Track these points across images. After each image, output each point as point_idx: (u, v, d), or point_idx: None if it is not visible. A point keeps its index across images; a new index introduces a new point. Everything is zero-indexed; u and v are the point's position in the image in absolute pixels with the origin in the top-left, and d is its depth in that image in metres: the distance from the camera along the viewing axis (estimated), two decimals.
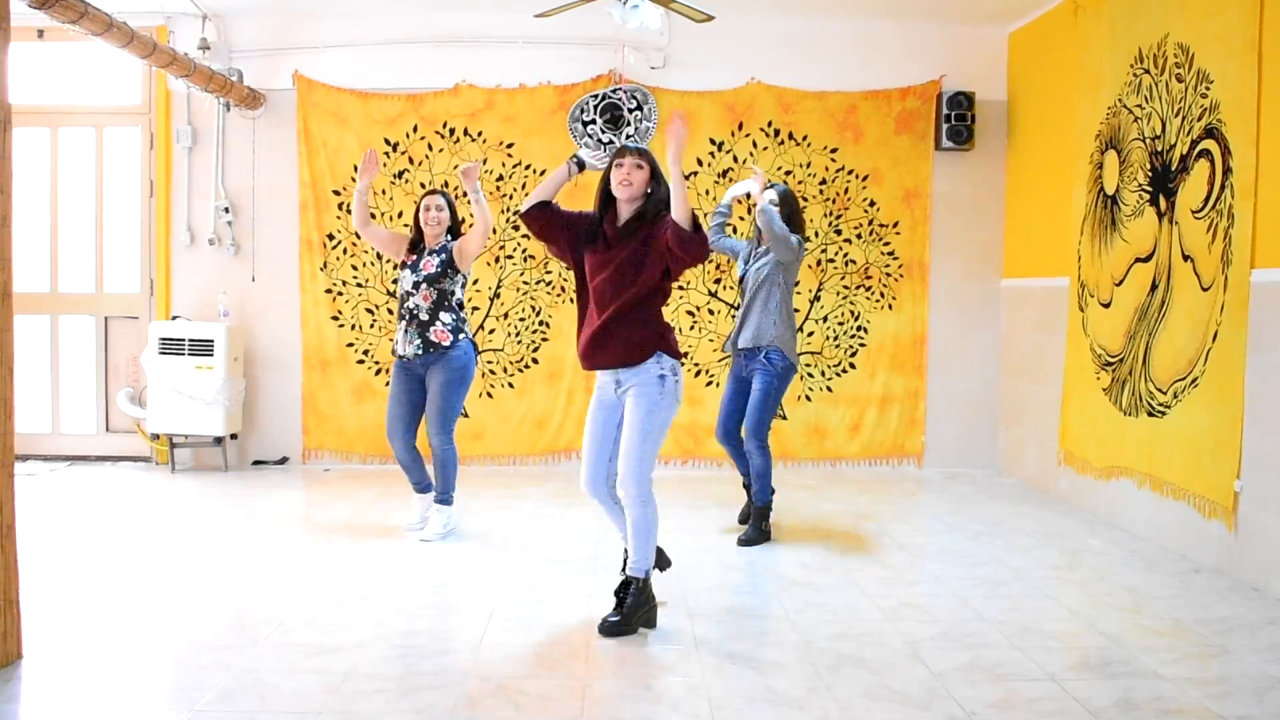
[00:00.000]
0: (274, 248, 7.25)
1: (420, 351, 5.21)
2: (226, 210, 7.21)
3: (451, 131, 7.19)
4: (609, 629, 3.86)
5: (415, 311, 5.23)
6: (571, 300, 7.22)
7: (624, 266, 3.88)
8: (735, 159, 7.22)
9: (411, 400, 5.33)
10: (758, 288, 5.32)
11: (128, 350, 7.36)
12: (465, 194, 5.68)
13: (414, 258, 5.30)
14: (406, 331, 5.25)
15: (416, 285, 5.23)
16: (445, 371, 5.23)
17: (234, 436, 7.19)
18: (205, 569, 4.75)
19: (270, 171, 7.22)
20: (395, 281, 5.41)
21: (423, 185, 7.13)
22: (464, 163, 5.05)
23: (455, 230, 5.39)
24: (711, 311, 7.29)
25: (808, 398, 7.32)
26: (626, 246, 3.89)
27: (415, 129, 7.17)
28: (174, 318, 7.15)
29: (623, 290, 3.87)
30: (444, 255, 5.26)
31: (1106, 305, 5.85)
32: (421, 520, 5.46)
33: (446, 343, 5.21)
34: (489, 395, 7.26)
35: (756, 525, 5.31)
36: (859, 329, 7.34)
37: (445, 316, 5.23)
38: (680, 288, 7.12)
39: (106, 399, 7.40)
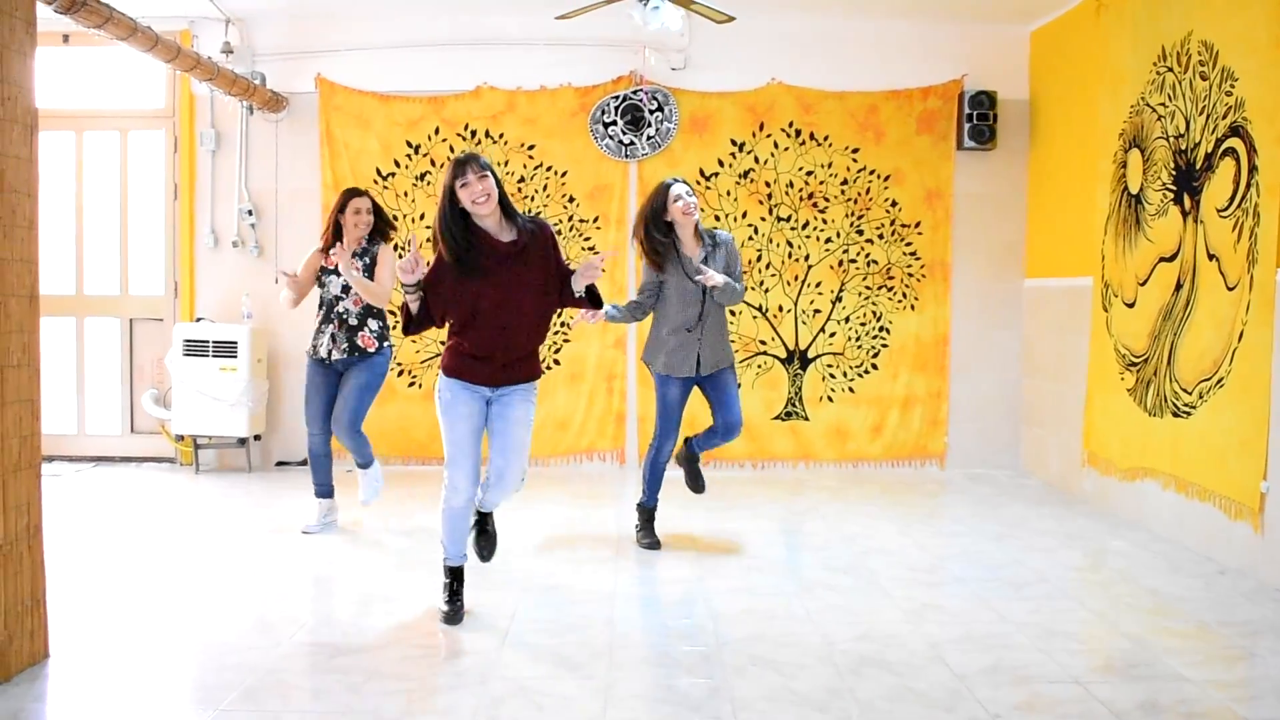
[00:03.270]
0: (297, 250, 7.27)
1: (346, 354, 5.20)
2: (250, 213, 7.25)
3: (473, 134, 7.21)
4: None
5: (345, 316, 5.22)
6: None
7: (524, 291, 3.87)
8: (757, 160, 7.21)
9: (330, 394, 5.29)
10: (706, 306, 4.99)
11: (152, 352, 7.42)
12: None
13: (335, 261, 5.19)
14: (334, 336, 5.22)
15: (345, 290, 5.19)
16: (366, 374, 5.23)
17: (257, 438, 7.23)
18: (229, 569, 4.78)
19: (293, 174, 7.26)
20: (321, 285, 5.26)
21: None
22: (340, 258, 5.00)
23: (384, 233, 5.29)
24: None
25: (830, 399, 7.30)
26: (520, 270, 3.86)
27: (437, 131, 7.20)
28: (198, 320, 7.20)
29: (526, 314, 3.90)
30: (367, 259, 5.21)
31: (1131, 305, 5.80)
32: (320, 523, 5.45)
33: (372, 349, 5.23)
34: None
35: (695, 468, 5.30)
36: (881, 329, 7.31)
37: (373, 323, 5.24)
38: None
39: (131, 400, 7.47)
